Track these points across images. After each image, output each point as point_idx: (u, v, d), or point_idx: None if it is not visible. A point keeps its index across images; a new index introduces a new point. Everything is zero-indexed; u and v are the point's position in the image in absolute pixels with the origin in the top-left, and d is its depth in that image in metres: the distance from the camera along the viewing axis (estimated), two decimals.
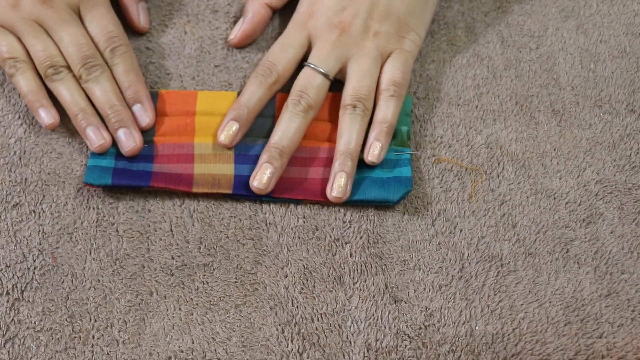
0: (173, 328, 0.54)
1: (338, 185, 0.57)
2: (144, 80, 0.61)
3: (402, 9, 0.62)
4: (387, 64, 0.61)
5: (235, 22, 0.66)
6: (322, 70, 0.60)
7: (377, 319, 0.55)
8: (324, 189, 0.58)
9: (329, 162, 0.59)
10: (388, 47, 0.61)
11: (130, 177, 0.57)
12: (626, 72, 0.65)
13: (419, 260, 0.57)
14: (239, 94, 0.62)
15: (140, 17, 0.65)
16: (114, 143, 0.59)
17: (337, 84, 0.62)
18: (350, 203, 0.58)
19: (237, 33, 0.64)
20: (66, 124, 0.60)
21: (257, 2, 0.65)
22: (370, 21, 0.61)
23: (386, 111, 0.59)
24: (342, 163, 0.58)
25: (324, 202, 0.58)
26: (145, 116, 0.60)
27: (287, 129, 0.59)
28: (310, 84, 0.60)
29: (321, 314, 0.55)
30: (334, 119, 0.61)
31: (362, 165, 0.59)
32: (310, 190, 0.58)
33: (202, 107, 0.61)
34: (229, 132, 0.59)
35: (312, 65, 0.60)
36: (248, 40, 0.65)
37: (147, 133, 0.60)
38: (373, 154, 0.58)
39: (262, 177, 0.57)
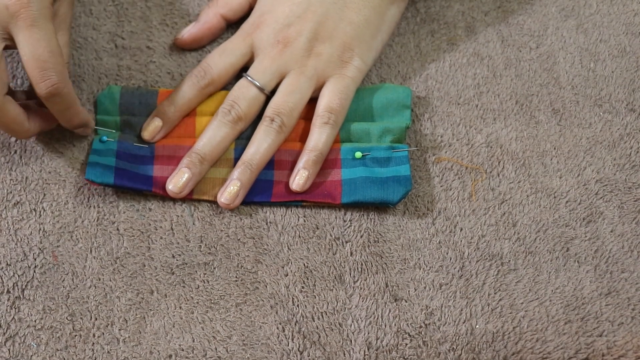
0: (174, 326, 0.54)
1: (229, 191, 0.57)
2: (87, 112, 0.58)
3: (349, 33, 0.61)
4: (326, 87, 0.60)
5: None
6: (258, 84, 0.59)
7: (377, 318, 0.55)
8: (323, 190, 0.58)
9: (324, 163, 0.59)
10: (328, 70, 0.60)
11: (133, 179, 0.57)
12: (626, 71, 0.65)
13: (419, 259, 0.57)
14: None
15: None
16: (115, 142, 0.59)
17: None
18: (350, 204, 0.58)
19: (184, 34, 0.64)
20: None
21: (211, 11, 0.64)
22: (314, 41, 0.60)
23: (318, 139, 0.59)
24: (241, 172, 0.57)
25: (324, 203, 0.58)
26: (89, 130, 0.59)
27: (212, 136, 0.58)
28: (243, 96, 0.59)
29: (322, 313, 0.55)
30: None
31: (359, 164, 0.59)
32: (308, 192, 0.58)
33: (202, 107, 0.61)
34: (151, 127, 0.59)
35: (248, 77, 0.60)
36: (194, 44, 0.64)
37: None
38: (298, 182, 0.58)
39: (178, 181, 0.57)
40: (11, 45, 0.53)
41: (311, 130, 0.59)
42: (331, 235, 0.58)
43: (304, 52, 0.60)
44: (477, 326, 0.55)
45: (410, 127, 0.62)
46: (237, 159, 0.59)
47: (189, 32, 0.64)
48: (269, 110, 0.59)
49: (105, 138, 0.59)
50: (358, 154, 0.59)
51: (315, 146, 0.58)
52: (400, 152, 0.59)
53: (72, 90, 0.55)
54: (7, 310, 0.54)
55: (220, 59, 0.61)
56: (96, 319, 0.54)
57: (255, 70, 0.60)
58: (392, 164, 0.59)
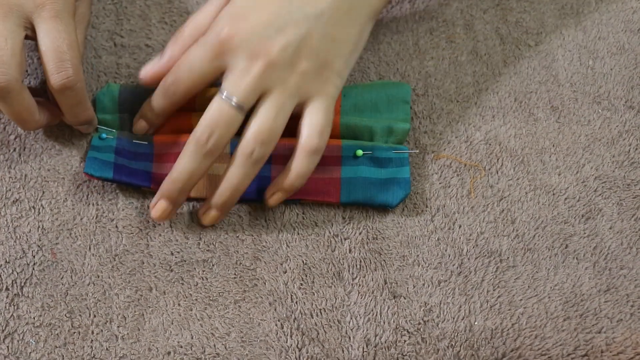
0: (172, 323, 0.54)
1: (208, 217, 0.56)
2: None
3: (332, 51, 0.55)
4: (310, 111, 0.55)
5: None
6: (238, 104, 0.53)
7: (376, 315, 0.55)
8: (321, 188, 0.58)
9: (324, 160, 0.59)
10: (311, 89, 0.55)
11: (131, 175, 0.57)
12: (625, 68, 0.65)
13: (418, 255, 0.57)
14: None
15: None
16: (114, 138, 0.59)
17: None
18: (349, 204, 0.58)
19: (148, 71, 0.58)
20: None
21: (177, 46, 0.57)
22: (297, 58, 0.54)
23: (300, 167, 0.55)
24: (217, 207, 0.56)
25: (321, 201, 0.58)
26: (92, 128, 0.59)
27: (187, 169, 0.54)
28: (222, 120, 0.54)
29: (320, 310, 0.55)
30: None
31: (359, 163, 0.59)
32: (306, 189, 0.58)
33: (201, 104, 0.61)
34: (138, 126, 0.59)
35: (227, 98, 0.53)
36: (158, 83, 0.58)
37: None
38: (271, 200, 0.56)
39: (157, 211, 0.55)
40: (31, 36, 0.53)
41: (294, 154, 0.55)
42: (330, 232, 0.58)
43: (287, 69, 0.54)
44: (476, 323, 0.55)
45: (409, 124, 0.62)
46: (232, 153, 0.58)
47: (153, 71, 0.58)
48: (249, 138, 0.54)
49: (104, 135, 0.59)
50: (359, 152, 0.59)
51: (298, 174, 0.55)
52: (401, 153, 0.59)
53: (84, 87, 0.55)
54: (5, 307, 0.54)
55: (190, 77, 0.55)
56: (95, 316, 0.54)
57: (234, 88, 0.54)
58: (393, 165, 0.59)
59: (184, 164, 0.54)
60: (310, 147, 0.55)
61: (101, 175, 0.56)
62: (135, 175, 0.57)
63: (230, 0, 0.56)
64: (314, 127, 0.55)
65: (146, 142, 0.59)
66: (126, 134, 0.60)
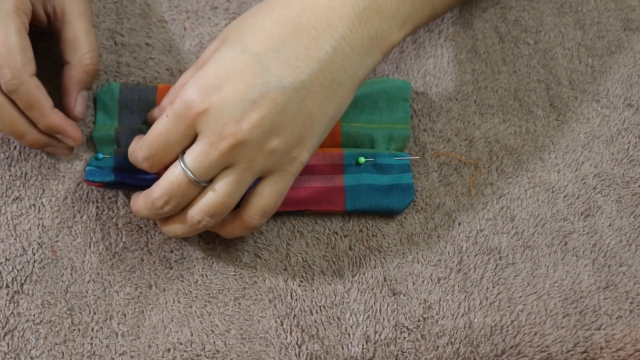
0: (172, 320, 0.54)
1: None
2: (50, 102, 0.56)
3: (307, 127, 0.52)
4: (266, 185, 0.52)
5: (233, 19, 0.66)
6: (198, 180, 0.50)
7: (375, 312, 0.55)
8: (326, 197, 0.57)
9: (327, 168, 0.59)
10: (275, 166, 0.52)
11: (134, 176, 0.56)
12: (623, 67, 0.66)
13: (417, 253, 0.57)
14: None
15: (76, 106, 0.58)
16: (111, 158, 0.57)
17: None
18: (355, 211, 0.58)
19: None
20: None
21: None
22: (269, 135, 0.50)
23: (231, 232, 0.54)
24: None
25: (327, 211, 0.58)
26: (71, 141, 0.57)
27: (143, 216, 0.54)
28: (181, 191, 0.51)
29: (320, 307, 0.55)
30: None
31: (361, 170, 0.59)
32: (310, 199, 0.58)
33: None
34: None
35: (188, 172, 0.50)
36: None
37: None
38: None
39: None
40: None
41: (231, 221, 0.54)
42: (330, 230, 0.58)
43: (255, 148, 0.50)
44: (475, 320, 0.55)
45: (409, 130, 0.62)
46: None
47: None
48: (200, 209, 0.52)
49: (100, 155, 0.57)
50: (361, 159, 0.58)
51: (228, 234, 0.55)
52: (402, 160, 0.59)
53: (33, 90, 0.53)
54: (6, 304, 0.54)
55: (165, 151, 0.51)
56: (95, 313, 0.54)
57: (196, 163, 0.50)
58: (395, 171, 0.59)
59: (140, 213, 0.54)
60: (249, 224, 0.53)
61: (102, 179, 0.55)
62: (137, 175, 0.56)
63: (204, 65, 0.51)
64: (261, 206, 0.52)
65: None
66: (122, 152, 0.58)
